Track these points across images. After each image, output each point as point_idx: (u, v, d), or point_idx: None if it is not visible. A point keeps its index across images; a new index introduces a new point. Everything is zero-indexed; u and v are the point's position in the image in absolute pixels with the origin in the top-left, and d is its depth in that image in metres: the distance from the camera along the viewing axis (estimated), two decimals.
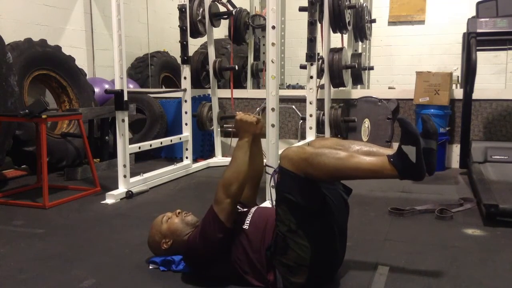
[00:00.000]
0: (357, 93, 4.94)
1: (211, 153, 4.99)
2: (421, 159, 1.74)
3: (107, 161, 4.43)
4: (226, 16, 4.69)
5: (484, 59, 6.15)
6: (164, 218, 2.10)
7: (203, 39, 4.85)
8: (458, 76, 6.10)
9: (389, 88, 6.50)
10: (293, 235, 1.80)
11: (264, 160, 2.30)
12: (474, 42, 3.83)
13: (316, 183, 1.81)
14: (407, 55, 7.31)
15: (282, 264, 1.84)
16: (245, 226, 1.95)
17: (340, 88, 4.50)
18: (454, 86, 5.42)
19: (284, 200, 1.81)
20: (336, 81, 4.15)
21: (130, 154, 3.65)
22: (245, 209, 2.07)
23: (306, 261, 1.80)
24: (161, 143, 4.26)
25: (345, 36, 4.61)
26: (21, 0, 4.73)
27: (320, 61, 4.17)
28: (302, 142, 3.89)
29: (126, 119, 3.51)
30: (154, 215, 2.24)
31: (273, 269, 1.87)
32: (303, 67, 4.11)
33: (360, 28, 4.77)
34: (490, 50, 6.29)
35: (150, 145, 4.07)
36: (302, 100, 4.62)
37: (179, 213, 2.12)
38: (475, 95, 4.08)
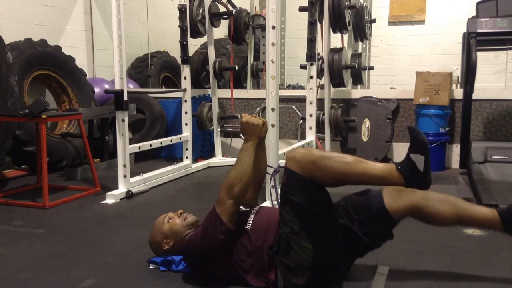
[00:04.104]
0: (357, 93, 4.93)
1: (211, 153, 4.99)
2: (429, 168, 1.77)
3: (107, 161, 4.43)
4: (226, 16, 4.68)
5: (484, 59, 6.15)
6: (166, 219, 2.10)
7: (203, 39, 4.85)
8: (458, 76, 6.10)
9: (391, 88, 6.50)
10: (296, 237, 1.79)
11: None
12: (474, 42, 3.82)
13: (322, 186, 1.81)
14: (407, 55, 7.31)
15: (284, 264, 1.83)
16: (248, 226, 1.94)
17: (340, 88, 4.50)
18: (454, 86, 5.41)
19: (288, 202, 1.81)
20: (336, 81, 4.14)
21: (130, 154, 3.65)
22: (247, 209, 2.07)
23: (308, 263, 1.79)
24: (161, 143, 4.26)
25: (345, 36, 4.60)
26: (21, 0, 4.72)
27: (320, 61, 4.16)
28: (302, 142, 3.89)
29: (126, 119, 3.51)
30: (154, 215, 2.24)
31: (275, 268, 1.87)
32: (303, 67, 4.11)
33: (360, 28, 4.76)
34: (490, 50, 6.29)
35: (150, 145, 4.07)
36: (302, 100, 4.62)
37: (180, 213, 2.12)
38: (475, 95, 4.07)
